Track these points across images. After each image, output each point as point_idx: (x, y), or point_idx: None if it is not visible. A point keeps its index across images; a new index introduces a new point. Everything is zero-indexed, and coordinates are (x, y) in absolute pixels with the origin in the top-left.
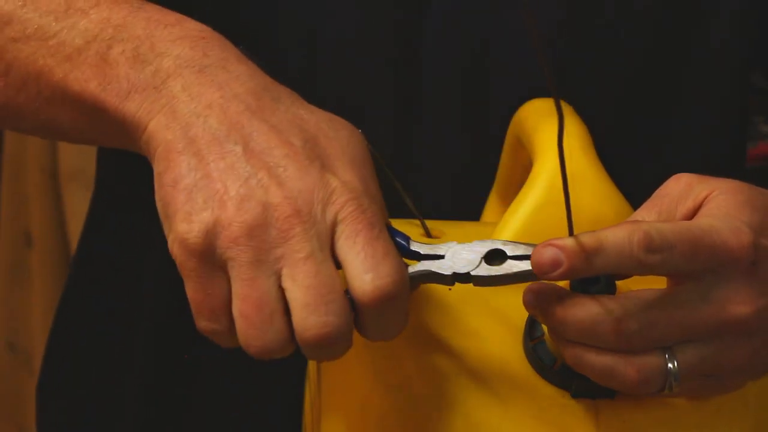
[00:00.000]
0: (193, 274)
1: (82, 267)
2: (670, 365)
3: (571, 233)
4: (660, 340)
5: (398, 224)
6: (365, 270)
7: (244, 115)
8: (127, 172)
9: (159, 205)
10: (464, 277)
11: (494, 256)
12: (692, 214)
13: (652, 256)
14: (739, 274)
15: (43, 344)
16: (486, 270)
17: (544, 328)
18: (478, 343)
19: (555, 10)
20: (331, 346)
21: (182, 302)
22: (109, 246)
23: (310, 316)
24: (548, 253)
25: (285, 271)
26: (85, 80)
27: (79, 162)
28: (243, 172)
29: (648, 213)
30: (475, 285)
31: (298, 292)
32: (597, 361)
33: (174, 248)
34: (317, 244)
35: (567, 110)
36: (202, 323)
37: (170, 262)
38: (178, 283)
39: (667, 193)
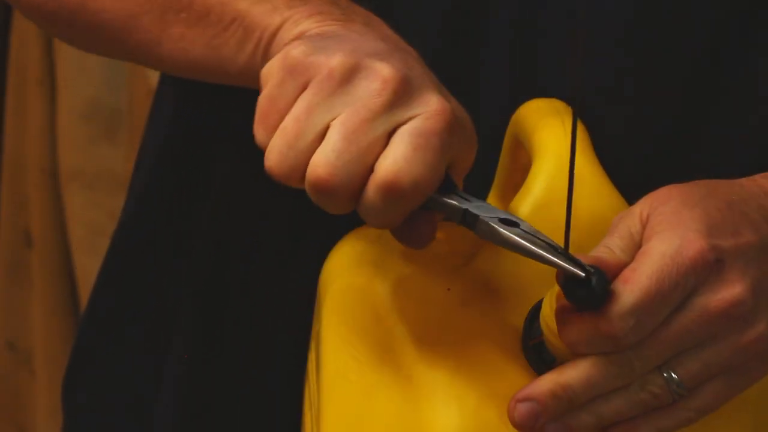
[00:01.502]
0: (276, 81)
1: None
2: (665, 374)
3: (567, 240)
4: (655, 360)
5: None
6: (401, 156)
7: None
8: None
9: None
10: (472, 218)
11: (509, 224)
12: (641, 235)
13: (630, 338)
14: (709, 276)
15: (43, 344)
16: (494, 223)
17: (543, 328)
18: (478, 342)
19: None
20: (327, 193)
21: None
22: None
23: (330, 154)
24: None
25: (342, 116)
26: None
27: (79, 162)
28: (376, 45)
29: (614, 241)
30: (476, 233)
31: (336, 134)
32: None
33: (274, 62)
34: (387, 118)
35: (566, 111)
36: (259, 132)
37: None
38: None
39: (621, 218)
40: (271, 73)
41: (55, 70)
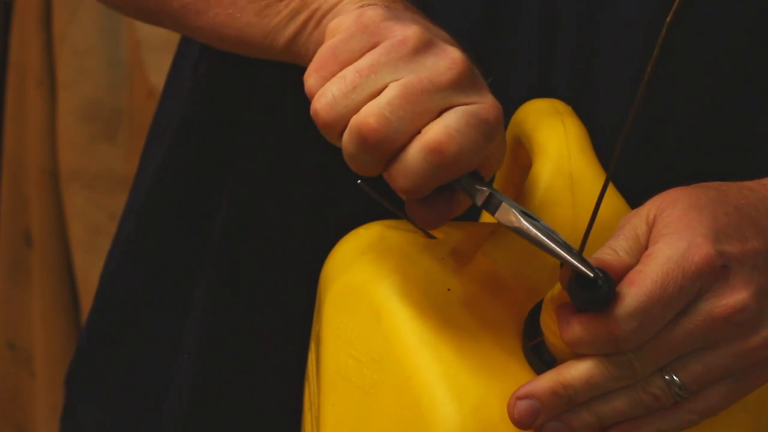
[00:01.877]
0: (345, 35)
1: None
2: (666, 377)
3: (584, 240)
4: (656, 363)
5: (397, 224)
6: (453, 125)
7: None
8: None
9: None
10: (496, 202)
11: (530, 217)
12: (648, 237)
13: (636, 339)
14: (715, 281)
15: (43, 344)
16: (517, 212)
17: (544, 329)
18: (478, 342)
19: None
20: (371, 144)
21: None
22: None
23: (384, 107)
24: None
25: (404, 80)
26: None
27: (79, 162)
28: (440, 31)
29: (619, 243)
30: (497, 217)
31: (395, 91)
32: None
33: (347, 18)
34: (446, 96)
35: (566, 111)
36: (312, 78)
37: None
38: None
39: (627, 220)
40: (341, 26)
41: (55, 70)
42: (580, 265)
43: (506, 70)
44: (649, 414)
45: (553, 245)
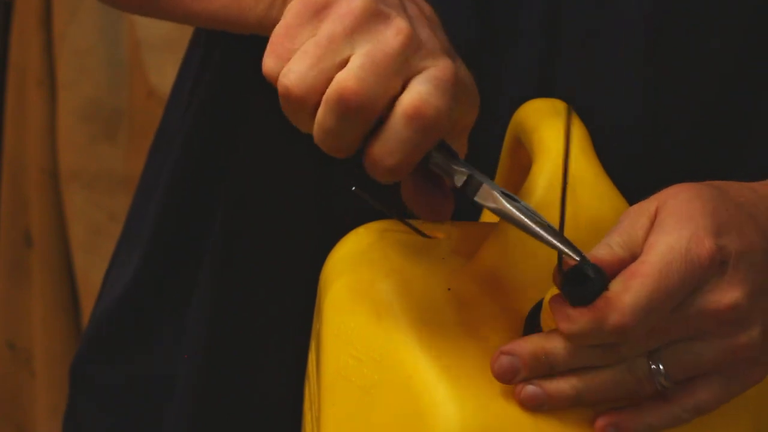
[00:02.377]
0: (296, 14)
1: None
2: (653, 366)
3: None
4: (643, 347)
5: (396, 224)
6: (425, 91)
7: None
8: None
9: None
10: (476, 184)
11: (511, 198)
12: (649, 230)
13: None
14: (712, 276)
15: (43, 344)
16: (497, 193)
17: (544, 328)
18: (478, 342)
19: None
20: (353, 107)
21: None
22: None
23: (359, 71)
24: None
25: (365, 49)
26: None
27: (79, 162)
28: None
29: (613, 238)
30: (477, 199)
31: (362, 58)
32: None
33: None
34: (404, 61)
35: (567, 111)
36: (270, 60)
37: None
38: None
39: (627, 215)
40: (291, 6)
41: (55, 70)
42: (563, 247)
43: (506, 70)
44: (639, 407)
45: (536, 227)
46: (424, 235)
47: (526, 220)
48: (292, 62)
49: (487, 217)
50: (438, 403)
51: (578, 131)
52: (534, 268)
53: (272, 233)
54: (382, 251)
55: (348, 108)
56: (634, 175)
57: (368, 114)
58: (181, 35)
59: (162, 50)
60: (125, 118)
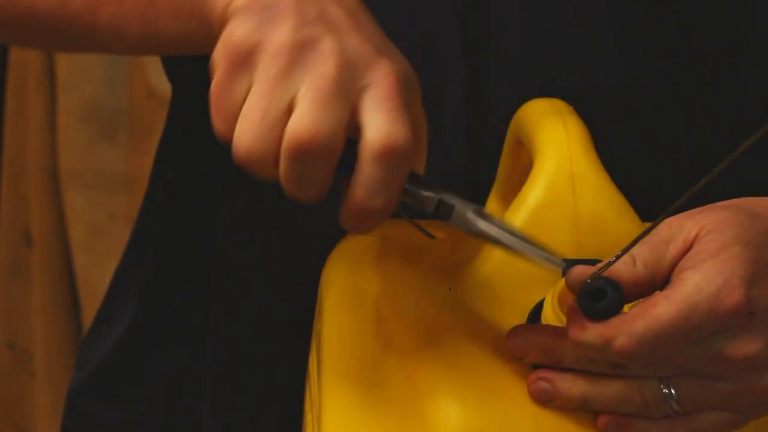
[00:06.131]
0: (225, 71)
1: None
2: (665, 390)
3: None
4: (653, 373)
5: (398, 224)
6: (384, 120)
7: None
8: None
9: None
10: (447, 208)
11: (484, 216)
12: (682, 255)
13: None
14: (736, 325)
15: (43, 344)
16: (470, 214)
17: None
18: (479, 342)
19: None
20: (312, 153)
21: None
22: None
23: (308, 114)
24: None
25: (305, 86)
26: None
27: (79, 162)
28: (312, 12)
29: (642, 251)
30: (451, 223)
31: (309, 98)
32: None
33: (218, 48)
34: (346, 85)
35: (568, 110)
36: (218, 121)
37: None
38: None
39: (659, 233)
40: (217, 60)
41: (55, 70)
42: (542, 258)
43: (507, 69)
44: (645, 419)
45: (514, 243)
46: (430, 235)
47: (501, 235)
48: (240, 123)
49: None
50: (438, 403)
51: (579, 131)
52: (535, 269)
53: (272, 233)
54: (383, 251)
55: (309, 154)
56: (615, 138)
57: (331, 152)
58: None
59: None
60: (125, 118)
